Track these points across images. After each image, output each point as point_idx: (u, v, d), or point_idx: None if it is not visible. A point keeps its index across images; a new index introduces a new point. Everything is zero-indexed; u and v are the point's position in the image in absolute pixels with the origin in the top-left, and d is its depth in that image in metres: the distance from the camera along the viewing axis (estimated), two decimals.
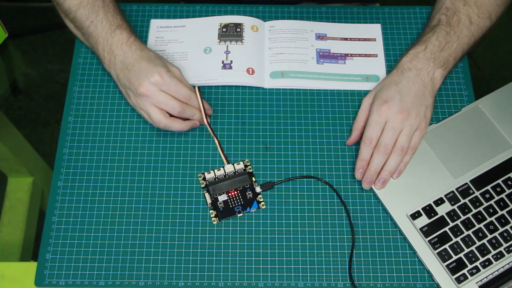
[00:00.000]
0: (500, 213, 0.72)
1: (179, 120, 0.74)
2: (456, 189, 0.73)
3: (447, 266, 0.69)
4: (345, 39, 0.84)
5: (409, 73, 0.74)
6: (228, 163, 0.75)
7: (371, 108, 0.74)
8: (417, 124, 0.72)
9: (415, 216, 0.72)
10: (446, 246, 0.70)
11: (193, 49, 0.83)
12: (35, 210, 0.77)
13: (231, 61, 0.82)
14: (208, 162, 0.76)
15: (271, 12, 0.86)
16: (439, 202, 0.72)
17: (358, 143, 0.75)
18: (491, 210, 0.72)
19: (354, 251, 0.71)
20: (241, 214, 0.73)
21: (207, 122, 0.75)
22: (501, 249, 0.70)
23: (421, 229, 0.71)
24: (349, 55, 0.83)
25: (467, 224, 0.71)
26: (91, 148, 0.77)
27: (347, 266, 0.70)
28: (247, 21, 0.85)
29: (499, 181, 0.73)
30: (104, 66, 0.77)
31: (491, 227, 0.71)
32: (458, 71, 0.82)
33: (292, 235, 0.72)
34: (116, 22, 0.75)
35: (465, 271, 0.69)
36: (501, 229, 0.71)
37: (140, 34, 0.84)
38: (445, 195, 0.73)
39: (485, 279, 0.69)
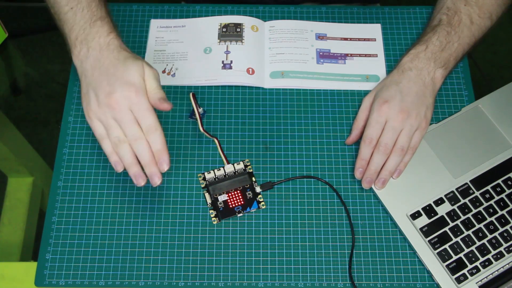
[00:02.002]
0: (500, 213, 0.72)
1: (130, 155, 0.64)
2: (456, 189, 0.73)
3: (447, 266, 0.69)
4: (345, 39, 0.84)
5: (409, 73, 0.74)
6: (228, 163, 0.75)
7: (372, 107, 0.74)
8: (417, 124, 0.72)
9: (415, 216, 0.72)
10: (446, 246, 0.70)
11: (193, 49, 0.83)
12: (35, 210, 0.77)
13: (231, 61, 0.82)
14: (208, 162, 0.76)
15: (271, 12, 0.86)
16: (439, 202, 0.72)
17: (357, 143, 0.75)
18: (491, 210, 0.72)
19: (354, 251, 0.71)
20: (241, 214, 0.73)
21: (203, 129, 0.74)
22: (501, 249, 0.70)
23: (421, 229, 0.71)
24: (349, 55, 0.83)
25: (467, 224, 0.71)
26: (91, 148, 0.77)
27: (347, 266, 0.70)
28: (247, 21, 0.85)
29: (499, 181, 0.73)
30: (72, 56, 0.69)
31: (491, 227, 0.71)
32: (458, 71, 0.82)
33: (292, 235, 0.72)
34: (99, 13, 0.69)
35: (465, 271, 0.69)
36: (501, 229, 0.71)
37: (140, 34, 0.84)
38: (445, 195, 0.73)
39: (485, 279, 0.69)
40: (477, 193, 0.73)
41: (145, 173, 0.64)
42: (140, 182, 0.64)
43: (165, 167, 0.64)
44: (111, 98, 0.63)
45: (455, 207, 0.72)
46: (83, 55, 0.67)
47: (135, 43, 0.84)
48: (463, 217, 0.71)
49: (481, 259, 0.69)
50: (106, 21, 0.69)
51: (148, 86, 0.65)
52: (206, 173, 0.75)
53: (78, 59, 0.68)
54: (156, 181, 0.64)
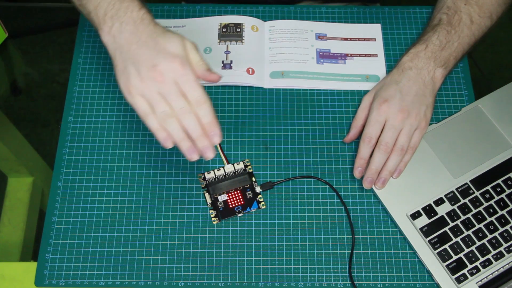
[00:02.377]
0: (500, 213, 0.72)
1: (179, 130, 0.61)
2: (456, 189, 0.73)
3: (447, 266, 0.69)
4: (345, 39, 0.84)
5: (409, 72, 0.74)
6: (228, 163, 0.75)
7: (371, 106, 0.74)
8: (417, 123, 0.72)
9: (415, 216, 0.72)
10: (446, 246, 0.70)
11: None
12: (35, 210, 0.77)
13: (231, 61, 0.82)
14: (208, 162, 0.76)
15: (271, 12, 0.86)
16: (439, 202, 0.72)
17: (356, 142, 0.75)
18: (491, 210, 0.72)
19: (354, 251, 0.71)
20: (241, 214, 0.73)
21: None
22: (501, 249, 0.70)
23: (421, 229, 0.71)
24: (349, 55, 0.83)
25: (467, 224, 0.71)
26: (91, 148, 0.77)
27: (347, 266, 0.70)
28: (247, 21, 0.85)
29: (499, 181, 0.73)
30: (101, 33, 0.65)
31: (491, 227, 0.71)
32: (458, 71, 0.82)
33: (292, 235, 0.72)
34: None
35: (465, 271, 0.69)
36: (501, 229, 0.71)
37: None
38: (445, 195, 0.73)
39: (485, 279, 0.69)
40: (477, 193, 0.73)
41: None
42: (194, 156, 0.61)
43: (217, 140, 0.61)
44: (156, 70, 0.60)
45: (455, 207, 0.72)
46: (116, 30, 0.63)
47: None
48: (463, 217, 0.71)
49: (481, 259, 0.69)
50: None
51: (191, 58, 0.62)
52: (206, 173, 0.75)
53: (109, 35, 0.64)
54: (209, 155, 0.61)
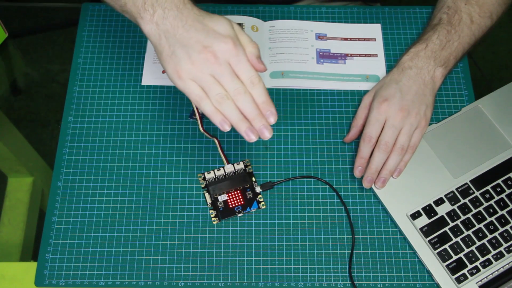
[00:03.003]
0: (500, 213, 0.72)
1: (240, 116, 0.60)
2: (456, 189, 0.73)
3: (447, 266, 0.69)
4: (345, 39, 0.84)
5: (409, 72, 0.74)
6: (228, 163, 0.75)
7: (371, 106, 0.74)
8: (417, 122, 0.72)
9: (415, 216, 0.72)
10: (446, 246, 0.70)
11: None
12: (35, 210, 0.77)
13: None
14: (208, 162, 0.76)
15: (271, 12, 0.86)
16: (439, 202, 0.72)
17: (356, 142, 0.75)
18: (491, 210, 0.72)
19: (354, 251, 0.71)
20: (241, 214, 0.73)
21: (203, 129, 0.73)
22: (501, 249, 0.70)
23: (421, 229, 0.71)
24: (349, 55, 0.83)
25: (467, 224, 0.71)
26: (91, 148, 0.77)
27: (347, 266, 0.70)
28: (247, 21, 0.85)
29: (499, 181, 0.73)
30: (141, 23, 0.63)
31: (491, 227, 0.71)
32: (458, 71, 0.82)
33: (292, 235, 0.72)
34: None
35: (465, 271, 0.69)
36: (501, 229, 0.71)
37: (140, 33, 0.84)
38: (445, 195, 0.73)
39: (485, 279, 0.69)
40: (477, 193, 0.73)
41: None
42: (253, 137, 0.60)
43: (273, 120, 0.60)
44: (208, 52, 0.59)
45: (455, 207, 0.72)
46: (159, 17, 0.61)
47: (135, 43, 0.84)
48: (463, 217, 0.71)
49: (481, 259, 0.69)
50: None
51: (241, 39, 0.61)
52: (206, 173, 0.75)
53: (152, 23, 0.62)
54: (267, 134, 0.60)
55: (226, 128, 0.60)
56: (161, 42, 0.62)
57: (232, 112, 0.60)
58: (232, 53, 0.59)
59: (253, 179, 0.75)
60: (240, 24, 0.84)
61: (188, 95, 0.61)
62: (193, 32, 0.60)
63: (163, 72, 0.81)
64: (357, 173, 0.73)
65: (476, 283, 0.68)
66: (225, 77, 0.59)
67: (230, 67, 0.60)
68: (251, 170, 0.75)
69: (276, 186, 0.74)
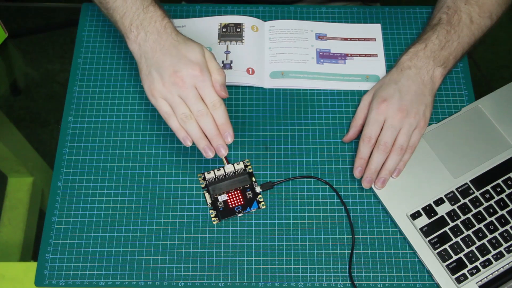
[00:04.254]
0: (500, 213, 0.72)
1: (198, 129, 0.67)
2: (456, 189, 0.73)
3: (447, 266, 0.69)
4: (345, 39, 0.84)
5: (408, 72, 0.74)
6: (228, 163, 0.75)
7: (370, 106, 0.74)
8: (416, 122, 0.72)
9: (415, 216, 0.72)
10: (446, 246, 0.70)
11: None
12: (35, 210, 0.77)
13: (231, 61, 0.82)
14: (208, 162, 0.76)
15: (271, 12, 0.86)
16: (439, 202, 0.72)
17: (356, 142, 0.75)
18: (491, 210, 0.72)
19: (354, 251, 0.71)
20: (241, 214, 0.73)
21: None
22: (501, 249, 0.70)
23: (421, 229, 0.71)
24: (349, 55, 0.83)
25: (467, 224, 0.71)
26: (91, 148, 0.77)
27: (347, 266, 0.70)
28: (247, 21, 0.85)
29: (499, 181, 0.73)
30: (127, 41, 0.72)
31: (491, 227, 0.71)
32: (458, 71, 0.82)
33: (292, 235, 0.72)
34: None
35: (465, 271, 0.69)
36: (501, 229, 0.71)
37: None
38: (445, 195, 0.73)
39: (485, 279, 0.69)
40: (477, 193, 0.73)
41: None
42: (210, 154, 0.67)
43: (230, 139, 0.67)
44: (177, 76, 0.66)
45: (455, 207, 0.72)
46: (141, 39, 0.70)
47: None
48: (463, 217, 0.71)
49: (481, 259, 0.69)
50: (158, 6, 0.72)
51: (210, 66, 0.68)
52: (206, 173, 0.75)
53: (135, 43, 0.70)
54: (223, 152, 0.68)
55: (188, 143, 0.68)
56: (141, 61, 0.70)
57: (194, 130, 0.67)
58: (198, 78, 0.66)
59: (253, 179, 0.75)
60: (240, 24, 0.84)
61: (159, 111, 0.69)
62: (168, 57, 0.68)
63: None
64: (357, 173, 0.73)
65: (476, 283, 0.68)
66: (190, 99, 0.66)
67: (196, 90, 0.67)
68: (251, 170, 0.75)
69: (276, 186, 0.75)
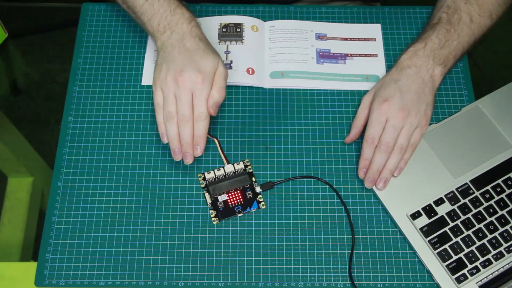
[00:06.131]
0: (500, 213, 0.72)
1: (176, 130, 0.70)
2: (456, 189, 0.73)
3: (447, 266, 0.69)
4: (345, 39, 0.84)
5: (408, 71, 0.74)
6: (228, 163, 0.75)
7: (372, 106, 0.74)
8: (417, 121, 0.72)
9: (415, 216, 0.72)
10: (446, 246, 0.70)
11: None
12: (35, 210, 0.77)
13: (231, 61, 0.82)
14: (208, 162, 0.76)
15: (271, 12, 0.86)
16: (439, 202, 0.72)
17: (356, 142, 0.75)
18: (491, 210, 0.72)
19: (354, 251, 0.71)
20: (241, 214, 0.73)
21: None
22: (501, 249, 0.70)
23: (421, 229, 0.71)
24: (349, 55, 0.83)
25: (467, 224, 0.71)
26: (91, 148, 0.77)
27: (347, 266, 0.70)
28: (247, 21, 0.85)
29: (499, 181, 0.73)
30: (155, 40, 0.74)
31: (491, 227, 0.71)
32: (458, 71, 0.82)
33: (292, 235, 0.72)
34: (176, 1, 0.74)
35: (465, 271, 0.69)
36: (501, 229, 0.71)
37: (140, 33, 0.84)
38: (445, 195, 0.73)
39: (485, 279, 0.69)
40: (477, 193, 0.73)
41: None
42: (177, 157, 0.70)
43: (199, 153, 0.70)
44: (180, 75, 0.68)
45: (455, 207, 0.72)
46: (166, 37, 0.72)
47: (135, 43, 0.84)
48: (463, 217, 0.71)
49: (481, 259, 0.69)
50: (185, 8, 0.74)
51: (215, 81, 0.70)
52: (206, 173, 0.75)
53: (160, 40, 0.73)
54: (189, 160, 0.70)
55: (164, 140, 0.70)
56: (160, 53, 0.73)
57: (172, 130, 0.69)
58: (197, 86, 0.68)
59: (253, 179, 0.75)
60: (240, 24, 0.84)
61: (153, 100, 0.71)
62: (182, 56, 0.70)
63: None
64: (361, 174, 0.73)
65: (476, 283, 0.68)
66: (182, 101, 0.69)
67: (191, 96, 0.69)
68: (251, 170, 0.75)
69: (276, 186, 0.75)
